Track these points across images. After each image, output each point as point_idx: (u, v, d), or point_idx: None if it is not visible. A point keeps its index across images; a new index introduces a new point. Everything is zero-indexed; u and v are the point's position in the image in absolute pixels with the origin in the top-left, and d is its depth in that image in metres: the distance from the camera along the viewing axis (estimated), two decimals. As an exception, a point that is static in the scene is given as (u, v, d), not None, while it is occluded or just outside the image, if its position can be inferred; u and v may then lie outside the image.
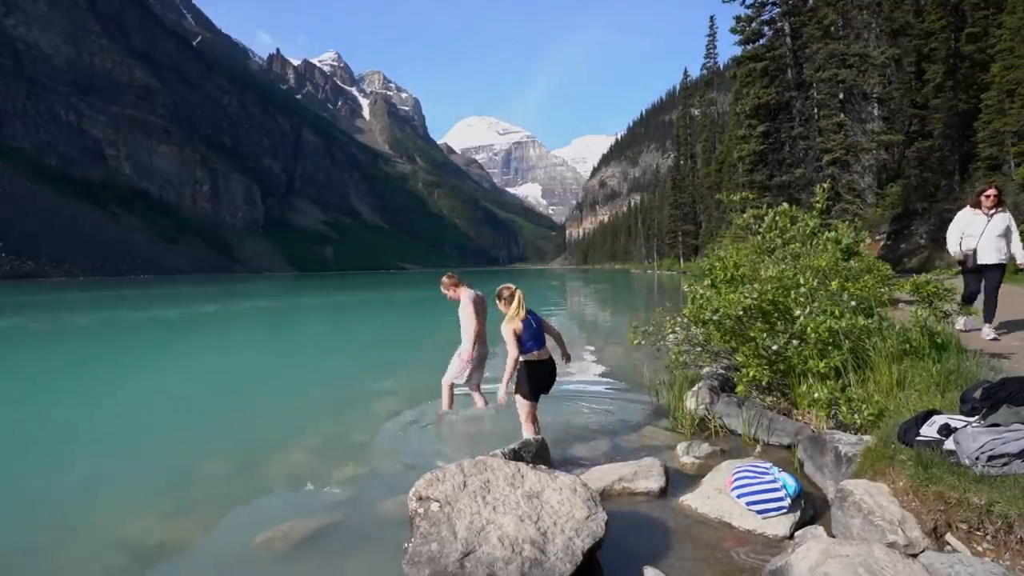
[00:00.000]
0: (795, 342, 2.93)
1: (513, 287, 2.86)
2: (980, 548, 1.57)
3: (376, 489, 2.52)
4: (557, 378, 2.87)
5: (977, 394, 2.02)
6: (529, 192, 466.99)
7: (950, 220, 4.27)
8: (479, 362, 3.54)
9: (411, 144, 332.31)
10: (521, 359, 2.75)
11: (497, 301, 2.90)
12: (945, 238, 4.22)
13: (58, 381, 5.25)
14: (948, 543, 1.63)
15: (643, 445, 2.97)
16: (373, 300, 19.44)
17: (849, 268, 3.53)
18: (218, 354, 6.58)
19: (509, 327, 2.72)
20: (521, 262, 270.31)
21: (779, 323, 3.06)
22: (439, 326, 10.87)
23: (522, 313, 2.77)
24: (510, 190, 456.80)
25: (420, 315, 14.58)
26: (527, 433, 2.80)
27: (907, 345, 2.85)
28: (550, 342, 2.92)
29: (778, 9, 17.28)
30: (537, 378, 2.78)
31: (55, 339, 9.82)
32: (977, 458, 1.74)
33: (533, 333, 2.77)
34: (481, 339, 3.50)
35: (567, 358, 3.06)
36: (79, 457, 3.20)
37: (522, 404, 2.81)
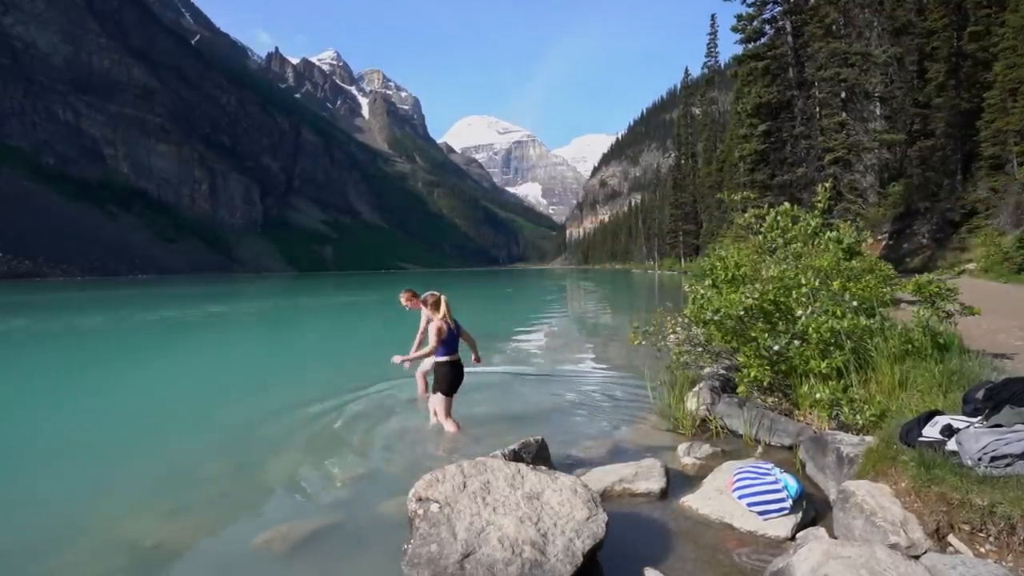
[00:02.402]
0: (796, 342, 2.92)
1: (438, 294, 3.30)
2: (983, 549, 1.56)
3: (375, 490, 2.51)
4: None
5: (980, 395, 2.01)
6: (529, 192, 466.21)
7: (952, 220, 4.17)
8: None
9: (411, 143, 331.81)
10: (437, 359, 3.16)
11: (423, 307, 3.32)
12: (946, 237, 4.11)
13: (56, 382, 5.24)
14: (951, 544, 1.63)
15: (644, 446, 2.96)
16: (372, 302, 19.42)
17: (851, 268, 3.52)
18: (217, 355, 6.59)
19: (435, 326, 3.16)
20: (521, 262, 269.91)
21: (780, 323, 3.05)
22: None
23: (448, 317, 3.18)
24: (510, 189, 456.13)
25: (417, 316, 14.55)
26: (447, 425, 3.20)
27: (909, 345, 2.84)
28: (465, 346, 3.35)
29: (779, 8, 17.23)
30: (452, 376, 3.21)
31: (53, 340, 9.81)
32: (980, 459, 1.73)
33: (451, 337, 3.18)
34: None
35: (477, 360, 3.50)
36: (78, 457, 3.19)
37: (440, 400, 3.22)
